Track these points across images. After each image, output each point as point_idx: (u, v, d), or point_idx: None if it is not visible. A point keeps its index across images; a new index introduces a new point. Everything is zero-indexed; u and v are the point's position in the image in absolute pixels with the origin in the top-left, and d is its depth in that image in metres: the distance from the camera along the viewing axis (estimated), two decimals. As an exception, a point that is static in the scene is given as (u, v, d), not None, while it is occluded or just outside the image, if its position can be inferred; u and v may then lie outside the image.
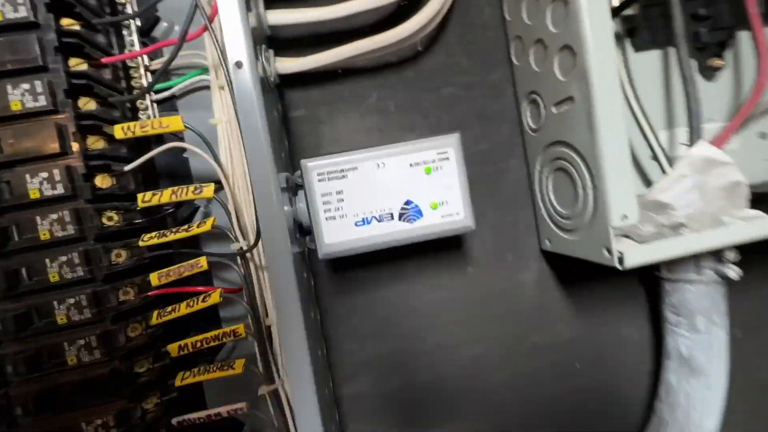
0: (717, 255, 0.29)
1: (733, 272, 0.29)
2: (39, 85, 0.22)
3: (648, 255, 0.25)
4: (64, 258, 0.23)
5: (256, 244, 0.25)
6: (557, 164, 0.29)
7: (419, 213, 0.27)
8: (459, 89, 0.34)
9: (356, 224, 0.27)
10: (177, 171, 0.31)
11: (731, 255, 0.29)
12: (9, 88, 0.22)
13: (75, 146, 0.23)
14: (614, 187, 0.24)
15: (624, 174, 0.24)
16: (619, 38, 0.32)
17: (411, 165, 0.27)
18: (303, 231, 0.29)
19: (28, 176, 0.22)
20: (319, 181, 0.26)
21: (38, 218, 0.22)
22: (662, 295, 0.33)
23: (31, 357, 0.23)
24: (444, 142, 0.27)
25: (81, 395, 0.23)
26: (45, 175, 0.22)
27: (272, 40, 0.31)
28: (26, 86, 0.22)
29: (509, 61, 0.34)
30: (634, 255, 0.24)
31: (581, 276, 0.35)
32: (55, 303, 0.23)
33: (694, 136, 0.30)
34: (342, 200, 0.26)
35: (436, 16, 0.30)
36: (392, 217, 0.27)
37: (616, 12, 0.29)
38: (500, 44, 0.34)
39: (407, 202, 0.27)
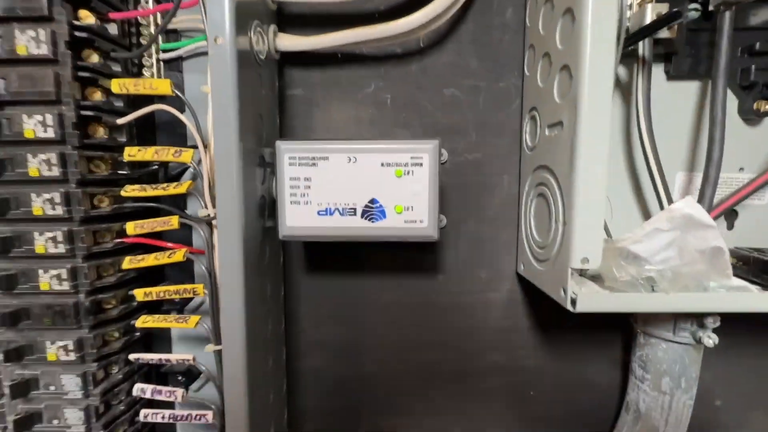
0: (699, 318, 0.27)
1: (710, 340, 0.26)
2: (43, 34, 0.24)
3: (604, 303, 0.23)
4: (47, 195, 0.25)
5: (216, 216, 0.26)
6: (540, 189, 0.28)
7: (383, 214, 0.27)
8: (463, 92, 0.32)
9: (318, 213, 0.27)
10: (177, 130, 0.33)
11: (711, 321, 0.26)
12: (17, 32, 0.24)
13: (69, 95, 0.25)
14: (581, 227, 0.22)
15: (594, 215, 0.22)
16: (645, 63, 0.28)
17: (382, 164, 0.26)
18: (275, 207, 0.29)
19: (25, 116, 0.24)
20: (290, 164, 0.27)
21: (29, 156, 0.25)
22: (634, 346, 0.31)
23: (12, 276, 0.26)
24: (420, 147, 0.26)
25: (48, 318, 0.26)
26: (40, 118, 0.24)
27: (279, 15, 0.31)
28: (32, 33, 0.24)
29: (522, 70, 0.31)
30: (589, 301, 0.23)
31: (555, 309, 0.33)
32: (36, 234, 0.25)
33: (707, 187, 0.27)
34: (309, 187, 0.27)
35: (445, 12, 0.28)
36: (355, 213, 0.27)
37: (640, 35, 0.26)
38: (516, 50, 0.31)
39: (372, 201, 0.27)
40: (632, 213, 0.33)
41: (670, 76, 0.31)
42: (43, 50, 0.24)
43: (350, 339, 0.35)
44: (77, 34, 0.25)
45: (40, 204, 0.25)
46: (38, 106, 0.25)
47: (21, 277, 0.26)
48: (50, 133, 0.25)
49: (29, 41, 0.24)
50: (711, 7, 0.28)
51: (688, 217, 0.21)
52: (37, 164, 0.25)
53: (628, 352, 0.33)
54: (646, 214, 0.33)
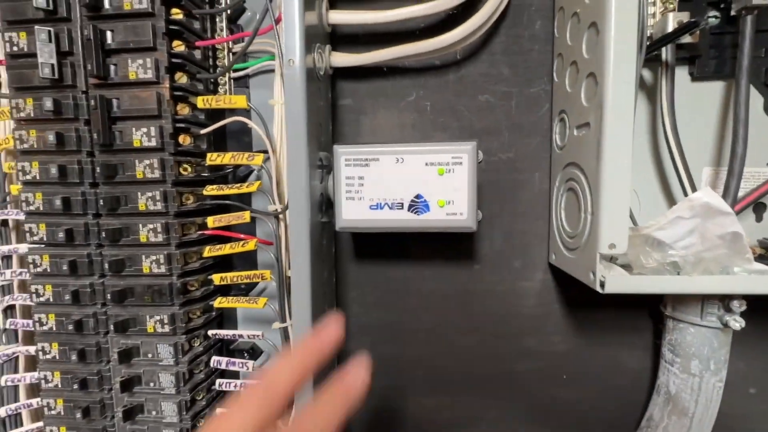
0: (725, 302, 0.29)
1: (736, 323, 0.28)
2: (149, 62, 0.29)
3: (630, 285, 0.26)
4: (150, 194, 0.30)
5: (285, 209, 0.31)
6: (570, 184, 0.31)
7: (427, 207, 0.30)
8: (496, 98, 0.35)
9: (370, 207, 0.31)
10: (243, 137, 0.38)
11: (737, 305, 0.28)
12: (129, 61, 0.29)
13: (167, 111, 0.30)
14: (607, 216, 0.25)
15: (620, 205, 0.25)
16: (668, 66, 0.31)
17: (426, 164, 0.30)
18: (330, 204, 0.34)
19: (134, 129, 0.30)
20: (346, 165, 0.31)
21: (137, 161, 0.30)
22: (663, 330, 0.33)
23: (121, 261, 0.31)
24: (460, 148, 0.29)
25: (148, 296, 0.31)
26: (145, 129, 0.30)
27: (332, 36, 0.35)
28: (140, 61, 0.29)
29: (551, 76, 0.34)
30: (616, 282, 0.26)
31: (586, 296, 0.36)
32: (140, 225, 0.31)
33: (732, 180, 0.29)
34: (362, 185, 0.31)
35: (479, 28, 0.32)
36: (402, 207, 0.31)
37: (664, 41, 0.29)
38: (545, 59, 0.34)
39: (418, 196, 0.30)
40: (660, 206, 0.35)
41: (695, 77, 0.33)
42: (149, 75, 0.29)
43: (394, 323, 0.39)
44: (173, 60, 0.30)
45: (144, 201, 0.30)
46: (143, 120, 0.30)
47: (127, 261, 0.31)
48: (153, 143, 0.30)
49: (138, 68, 0.29)
50: (733, 12, 0.30)
51: (707, 206, 0.23)
52: (142, 168, 0.30)
53: (659, 337, 0.34)
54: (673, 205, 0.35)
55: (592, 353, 0.37)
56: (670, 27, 0.30)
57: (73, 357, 0.31)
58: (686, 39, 0.31)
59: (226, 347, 0.38)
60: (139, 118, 0.30)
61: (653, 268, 0.28)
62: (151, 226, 0.31)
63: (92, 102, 0.29)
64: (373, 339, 0.39)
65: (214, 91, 0.35)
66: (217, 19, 0.35)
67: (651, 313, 0.36)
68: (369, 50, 0.34)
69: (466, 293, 0.38)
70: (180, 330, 0.32)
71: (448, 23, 0.34)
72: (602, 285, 0.26)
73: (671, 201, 0.35)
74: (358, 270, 0.38)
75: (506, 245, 0.37)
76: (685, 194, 0.31)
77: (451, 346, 0.38)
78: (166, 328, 0.31)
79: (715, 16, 0.27)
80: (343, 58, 0.34)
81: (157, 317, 0.31)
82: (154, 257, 0.31)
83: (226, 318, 0.39)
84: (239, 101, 0.31)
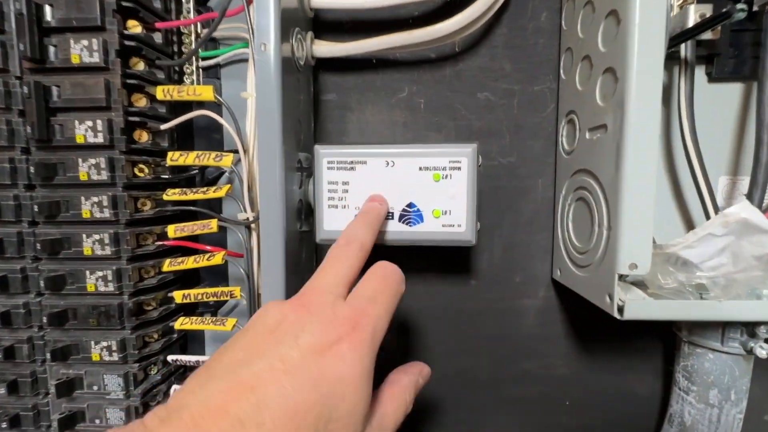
0: (749, 327, 0.26)
1: (763, 350, 0.25)
2: (95, 43, 0.24)
3: (653, 311, 0.22)
4: (96, 199, 0.26)
5: (257, 218, 0.27)
6: (580, 194, 0.27)
7: (420, 218, 0.27)
8: (497, 95, 0.32)
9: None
10: (213, 134, 0.34)
11: (764, 330, 0.25)
12: (72, 42, 0.25)
13: (118, 102, 0.25)
14: (629, 232, 0.22)
15: (643, 220, 0.22)
16: (687, 64, 0.28)
17: (420, 169, 0.26)
18: (311, 211, 0.30)
19: (77, 122, 0.25)
20: (328, 168, 0.27)
21: (80, 161, 0.25)
22: (678, 354, 0.30)
23: (61, 277, 0.26)
24: (459, 151, 0.26)
25: (93, 319, 0.27)
26: (90, 123, 0.25)
27: (315, 22, 0.31)
28: (85, 42, 0.24)
29: (557, 73, 0.31)
30: (637, 308, 0.22)
31: (592, 316, 0.32)
32: (84, 236, 0.26)
33: (755, 191, 0.26)
34: (347, 191, 0.27)
35: (479, 18, 0.28)
36: (392, 217, 0.27)
37: (685, 36, 0.26)
38: (551, 54, 0.31)
39: (410, 205, 0.27)
40: (672, 217, 0.32)
41: (712, 78, 0.30)
42: (95, 59, 0.25)
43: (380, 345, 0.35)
44: (126, 43, 0.26)
45: (88, 207, 0.26)
46: (89, 113, 0.25)
47: (69, 278, 0.26)
48: (99, 139, 0.25)
49: (82, 50, 0.25)
50: (756, 7, 0.27)
51: (744, 222, 0.20)
52: (86, 168, 0.25)
53: (671, 360, 0.31)
54: (687, 218, 0.32)
55: (598, 378, 0.34)
56: (691, 20, 0.27)
57: (2, 390, 0.26)
58: (707, 35, 0.28)
59: (191, 373, 0.34)
60: (83, 109, 0.25)
61: (672, 289, 0.25)
62: (96, 236, 0.26)
63: (25, 89, 0.24)
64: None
65: (179, 82, 0.31)
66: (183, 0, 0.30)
67: (662, 335, 0.33)
68: (356, 39, 0.30)
69: (460, 311, 0.34)
70: (132, 357, 0.27)
71: (445, 11, 0.30)
72: (620, 310, 0.23)
73: (685, 213, 0.32)
74: (342, 285, 0.34)
75: (506, 259, 0.33)
76: (703, 205, 0.28)
77: (444, 370, 0.35)
78: (115, 356, 0.27)
79: (743, 9, 0.24)
80: (327, 48, 0.30)
81: (104, 343, 0.27)
82: (100, 273, 0.26)
83: (192, 340, 0.34)
84: (205, 93, 0.27)
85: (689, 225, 0.32)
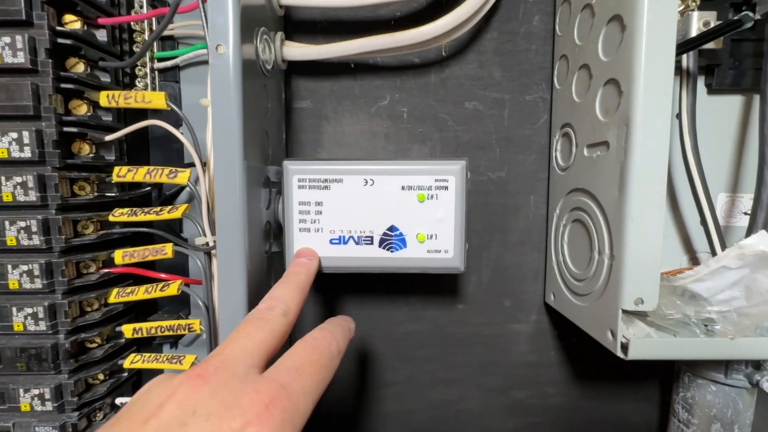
0: (755, 360, 0.24)
1: (770, 385, 0.23)
2: (20, 41, 0.21)
3: (660, 351, 0.20)
4: (23, 224, 0.22)
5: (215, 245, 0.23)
6: (577, 215, 0.25)
7: (403, 243, 0.24)
8: (486, 105, 0.29)
9: (331, 241, 0.24)
10: (173, 144, 0.30)
11: (772, 365, 0.23)
12: (-10, 39, 0.21)
13: (50, 109, 0.22)
14: (634, 264, 0.20)
15: (651, 250, 0.19)
16: (689, 76, 0.26)
17: (403, 188, 0.23)
18: (281, 232, 0.27)
19: (-1, 133, 0.21)
20: (299, 188, 0.24)
21: (2, 179, 0.22)
22: (677, 384, 0.28)
23: (-19, 314, 0.22)
24: (446, 168, 0.23)
25: (22, 363, 0.23)
26: (15, 135, 0.21)
27: (286, 21, 0.28)
28: (7, 40, 0.21)
29: (551, 82, 0.29)
30: (644, 347, 0.20)
31: (586, 343, 0.30)
32: (9, 267, 0.22)
33: (760, 210, 0.24)
34: (320, 212, 0.24)
35: (468, 21, 0.26)
36: (371, 242, 0.24)
37: (690, 45, 0.24)
38: (545, 61, 0.29)
39: (391, 228, 0.24)
40: (670, 236, 0.30)
41: (712, 89, 0.29)
42: (20, 59, 0.21)
43: (361, 374, 0.32)
44: (60, 40, 0.22)
45: (14, 233, 0.22)
46: (13, 122, 0.22)
47: (-9, 315, 0.23)
48: (27, 153, 0.22)
49: (4, 48, 0.21)
50: (757, 16, 0.26)
51: (762, 255, 0.18)
52: (11, 188, 0.22)
53: (668, 390, 0.30)
54: (685, 237, 0.30)
55: (593, 407, 0.32)
56: (694, 28, 0.25)
57: None
58: (709, 45, 0.26)
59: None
60: (5, 118, 0.21)
61: (676, 320, 0.23)
62: (24, 267, 0.22)
63: (-68, 94, 0.20)
64: (334, 394, 0.32)
65: (131, 86, 0.27)
66: (135, -7, 0.27)
67: (660, 363, 0.31)
68: (333, 41, 0.27)
69: (447, 337, 0.31)
70: (70, 405, 0.24)
71: (431, 13, 0.28)
72: (625, 349, 0.20)
73: (683, 231, 0.30)
74: (317, 311, 0.31)
75: (495, 281, 0.31)
76: (704, 224, 0.26)
77: (429, 401, 0.32)
78: (48, 405, 0.23)
79: (750, 16, 0.23)
80: (300, 50, 0.27)
81: (35, 390, 0.23)
82: (29, 310, 0.22)
83: (148, 375, 0.30)
84: (156, 99, 0.23)
85: (687, 243, 0.30)
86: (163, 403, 0.14)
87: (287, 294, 0.19)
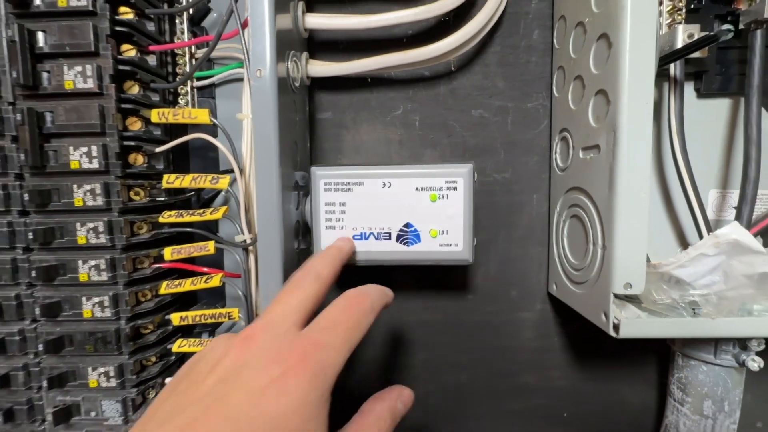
0: (741, 340, 0.26)
1: (755, 363, 0.26)
2: (89, 69, 0.24)
3: (649, 329, 0.23)
4: (91, 225, 0.26)
5: (255, 241, 0.27)
6: (574, 211, 0.28)
7: (417, 238, 0.27)
8: (491, 112, 0.32)
9: (354, 237, 0.27)
10: (209, 153, 0.33)
11: (755, 344, 0.26)
12: (65, 68, 0.24)
13: (113, 126, 0.25)
14: (623, 253, 0.22)
15: (637, 240, 0.22)
16: (676, 83, 0.28)
17: (417, 189, 0.26)
18: (308, 229, 0.30)
19: (71, 148, 0.25)
20: (325, 190, 0.27)
21: (75, 186, 0.25)
22: (672, 366, 0.30)
23: (56, 303, 0.26)
24: (455, 171, 0.26)
25: (90, 345, 0.26)
26: (85, 149, 0.25)
27: (310, 42, 0.31)
28: (79, 68, 0.24)
29: (550, 90, 0.32)
30: (633, 326, 0.23)
31: (588, 329, 0.33)
32: (80, 262, 0.26)
33: (744, 206, 0.26)
34: (344, 212, 0.27)
35: (473, 37, 0.28)
36: (390, 237, 0.27)
37: (675, 56, 0.27)
38: (544, 71, 0.32)
39: (407, 225, 0.27)
40: (664, 230, 0.32)
41: (701, 94, 0.31)
42: (90, 84, 0.25)
43: (379, 359, 0.35)
44: (121, 67, 0.26)
45: (84, 233, 0.26)
46: (83, 138, 0.25)
47: (64, 304, 0.26)
48: (95, 164, 0.25)
49: (76, 76, 0.24)
50: (741, 26, 0.28)
51: (735, 243, 0.21)
52: (81, 194, 0.25)
53: (665, 372, 0.32)
54: (679, 232, 0.33)
55: (595, 389, 0.34)
56: (680, 40, 0.27)
57: (-2, 418, 0.26)
58: (695, 54, 0.28)
59: (188, 393, 0.33)
60: (77, 135, 0.25)
61: (666, 305, 0.25)
62: (93, 262, 0.26)
63: (18, 116, 0.24)
64: (356, 377, 0.35)
65: (174, 103, 0.31)
66: (177, 21, 0.30)
67: (657, 347, 0.33)
68: (351, 59, 0.30)
69: (458, 325, 0.34)
70: (130, 383, 0.27)
71: (439, 31, 0.31)
72: (616, 328, 0.23)
73: (677, 225, 0.32)
74: (340, 302, 0.34)
75: (502, 273, 0.34)
76: (694, 219, 0.29)
77: (443, 384, 0.35)
78: (113, 382, 0.27)
79: (729, 29, 0.25)
80: (323, 68, 0.30)
81: (102, 369, 0.27)
82: (97, 299, 0.26)
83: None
84: (201, 116, 0.27)
85: (681, 237, 0.33)
86: (221, 358, 0.17)
87: (319, 262, 0.22)
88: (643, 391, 0.34)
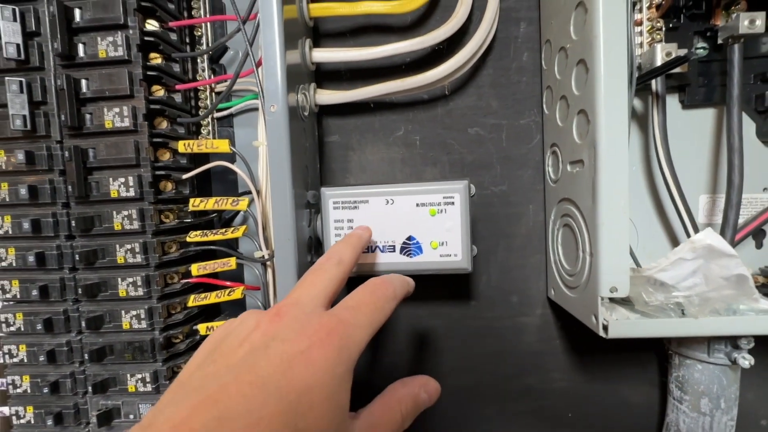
0: (732, 339, 0.28)
1: (745, 360, 0.27)
2: (126, 110, 0.28)
3: (636, 330, 0.25)
4: (129, 246, 0.29)
5: (272, 256, 0.29)
6: (566, 220, 0.30)
7: (420, 249, 0.29)
8: (486, 130, 0.35)
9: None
10: (228, 176, 0.37)
11: (745, 342, 0.27)
12: (105, 110, 0.28)
13: (146, 159, 0.29)
14: (607, 259, 0.24)
15: (620, 248, 0.24)
16: (659, 97, 0.30)
17: (417, 205, 0.29)
18: (320, 243, 0.32)
19: (111, 179, 0.29)
20: (334, 208, 0.30)
21: (114, 212, 0.29)
22: (670, 366, 0.32)
23: (99, 317, 0.29)
24: (452, 187, 0.29)
25: (129, 353, 0.29)
26: (122, 180, 0.28)
27: (316, 73, 0.35)
28: (117, 110, 0.28)
29: (541, 107, 0.34)
30: (621, 327, 0.25)
31: (587, 332, 0.34)
32: (119, 279, 0.29)
33: (730, 210, 0.28)
34: (352, 227, 0.30)
35: (466, 63, 0.31)
36: (394, 249, 0.29)
37: (655, 73, 0.28)
38: (534, 90, 0.34)
39: (410, 238, 0.29)
40: (658, 236, 0.34)
41: (685, 105, 0.33)
42: (126, 123, 0.28)
43: (388, 365, 0.37)
44: (152, 106, 0.29)
45: (122, 254, 0.29)
46: (121, 170, 0.29)
47: (106, 317, 0.29)
48: (131, 192, 0.29)
49: (115, 116, 0.28)
50: (720, 41, 0.30)
51: (709, 248, 0.22)
52: (120, 219, 0.29)
53: (664, 372, 0.33)
54: (672, 237, 0.34)
55: (597, 390, 0.35)
56: (659, 58, 0.29)
57: (49, 421, 0.29)
58: (675, 69, 0.30)
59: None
60: (116, 167, 0.29)
61: (657, 306, 0.27)
62: (130, 279, 0.29)
63: (66, 153, 0.28)
64: (362, 382, 0.37)
65: (197, 133, 0.34)
66: (199, 60, 0.34)
67: (655, 347, 0.34)
68: (355, 86, 0.33)
69: (462, 331, 0.36)
70: (164, 387, 0.30)
71: (435, 58, 0.34)
72: (605, 329, 0.25)
73: (669, 230, 0.34)
74: (351, 310, 0.37)
75: (503, 280, 0.35)
76: (683, 224, 0.30)
77: (448, 387, 0.37)
78: (149, 387, 0.30)
79: (704, 47, 0.27)
80: (329, 96, 0.33)
81: (139, 375, 0.30)
82: (134, 312, 0.29)
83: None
84: (221, 146, 0.30)
85: (675, 242, 0.34)
86: (251, 332, 0.18)
87: (340, 248, 0.24)
88: (645, 391, 0.35)
